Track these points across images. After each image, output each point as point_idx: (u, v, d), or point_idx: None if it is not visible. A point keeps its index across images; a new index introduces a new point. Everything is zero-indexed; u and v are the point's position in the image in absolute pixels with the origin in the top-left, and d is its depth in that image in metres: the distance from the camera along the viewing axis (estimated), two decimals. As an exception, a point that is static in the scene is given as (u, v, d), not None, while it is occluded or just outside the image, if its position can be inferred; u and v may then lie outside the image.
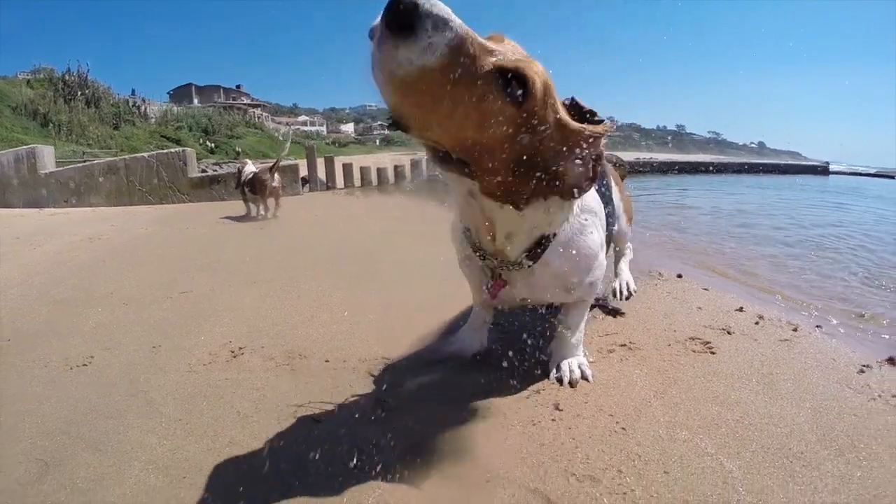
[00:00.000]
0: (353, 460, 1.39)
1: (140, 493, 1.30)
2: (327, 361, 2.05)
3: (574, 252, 1.61)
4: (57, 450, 1.50)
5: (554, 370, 1.83)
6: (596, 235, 1.69)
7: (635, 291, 2.56)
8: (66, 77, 25.41)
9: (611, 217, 1.99)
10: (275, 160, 6.94)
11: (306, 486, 1.30)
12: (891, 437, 1.47)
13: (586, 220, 1.66)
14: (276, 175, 6.77)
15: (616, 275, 2.61)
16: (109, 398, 1.81)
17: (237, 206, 7.20)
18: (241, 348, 2.21)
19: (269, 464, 1.39)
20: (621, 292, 2.51)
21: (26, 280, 3.60)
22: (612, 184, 2.20)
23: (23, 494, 1.32)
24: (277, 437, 1.52)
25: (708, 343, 2.13)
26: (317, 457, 1.41)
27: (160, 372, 2.01)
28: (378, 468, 1.35)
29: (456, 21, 1.06)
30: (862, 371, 1.91)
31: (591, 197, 1.72)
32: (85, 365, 2.10)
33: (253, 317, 2.63)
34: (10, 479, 1.38)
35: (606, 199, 1.94)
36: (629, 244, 2.73)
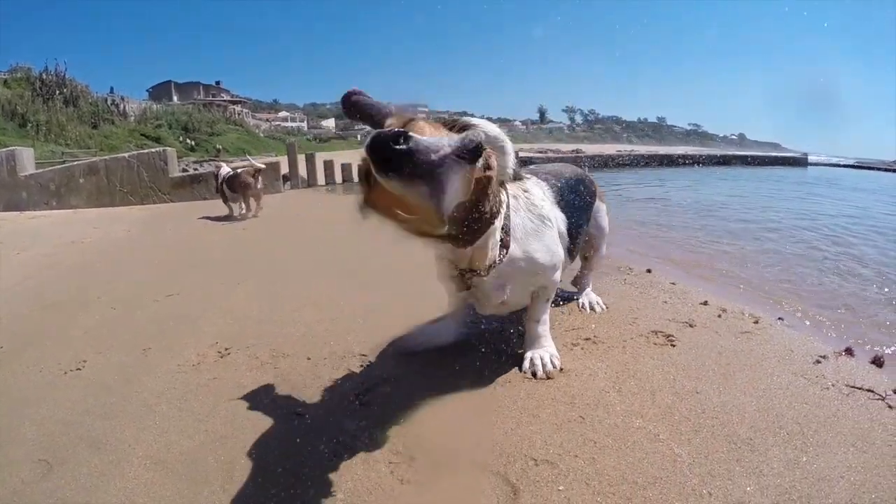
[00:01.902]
0: (332, 449, 1.50)
1: (140, 486, 1.41)
2: (309, 359, 2.15)
3: (529, 250, 1.78)
4: (58, 450, 1.60)
5: (527, 364, 1.94)
6: (548, 236, 1.85)
7: (603, 307, 2.61)
8: (44, 76, 25.05)
9: (587, 228, 2.36)
10: (255, 168, 6.98)
11: (290, 474, 1.41)
12: (839, 425, 1.57)
13: (540, 223, 1.83)
14: (258, 176, 6.84)
15: (586, 292, 2.68)
16: (105, 400, 1.90)
17: (218, 206, 7.20)
18: (227, 349, 2.29)
19: (256, 455, 1.49)
20: (592, 308, 2.59)
21: (15, 285, 3.64)
22: (605, 210, 2.55)
23: (30, 493, 1.41)
24: (264, 431, 1.62)
25: (670, 336, 2.23)
26: (299, 447, 1.52)
27: (152, 373, 2.10)
28: (355, 456, 1.47)
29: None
30: (818, 362, 2.00)
31: (544, 204, 1.90)
32: (79, 369, 2.18)
33: (238, 317, 2.71)
34: (16, 479, 1.47)
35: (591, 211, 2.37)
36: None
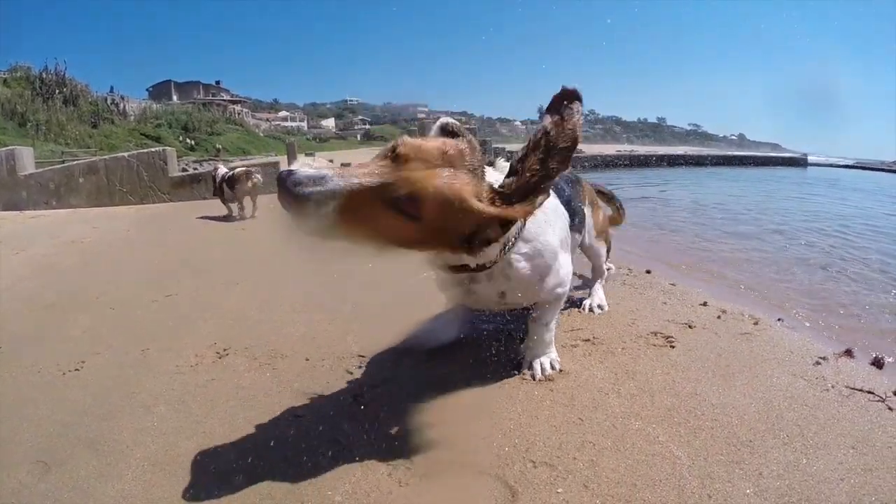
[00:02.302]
0: (330, 451, 1.49)
1: (138, 488, 1.40)
2: (307, 360, 2.14)
3: (533, 256, 1.70)
4: (56, 451, 1.59)
5: (527, 368, 1.92)
6: (552, 238, 1.77)
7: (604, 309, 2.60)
8: (44, 75, 25.10)
9: (579, 225, 2.20)
10: (247, 169, 6.99)
11: (288, 476, 1.40)
12: (839, 427, 1.56)
13: (544, 224, 1.75)
14: (244, 178, 6.85)
15: (590, 294, 2.66)
16: (103, 400, 1.89)
17: (217, 206, 7.20)
18: (225, 349, 2.29)
19: (254, 457, 1.48)
20: (591, 310, 2.56)
21: (14, 285, 3.63)
22: (586, 202, 2.40)
23: (28, 494, 1.40)
24: (261, 433, 1.61)
25: (669, 337, 2.21)
26: (298, 449, 1.51)
27: (150, 374, 2.09)
28: (353, 457, 1.46)
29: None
30: (818, 363, 1.99)
31: (549, 207, 1.83)
32: (77, 370, 2.17)
33: (236, 318, 2.71)
34: (14, 480, 1.46)
35: (577, 214, 2.16)
36: (608, 265, 2.77)
